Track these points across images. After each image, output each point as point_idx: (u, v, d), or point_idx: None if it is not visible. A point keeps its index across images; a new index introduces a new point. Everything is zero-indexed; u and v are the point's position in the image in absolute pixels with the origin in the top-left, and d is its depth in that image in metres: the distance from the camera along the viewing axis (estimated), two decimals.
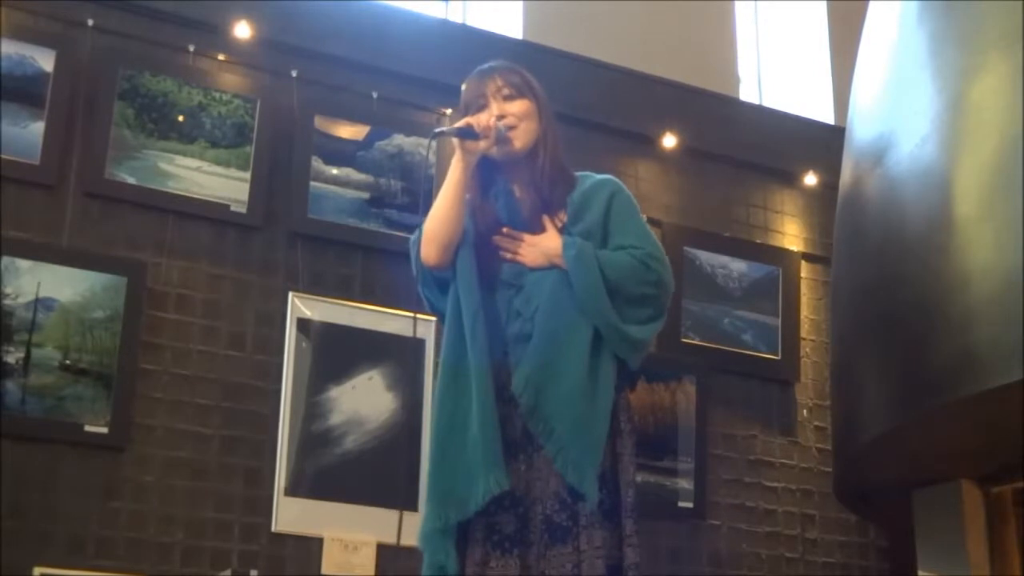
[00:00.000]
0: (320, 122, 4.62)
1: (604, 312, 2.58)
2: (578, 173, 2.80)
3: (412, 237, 2.76)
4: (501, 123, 2.67)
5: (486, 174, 2.74)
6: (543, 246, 2.65)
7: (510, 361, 2.59)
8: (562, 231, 2.67)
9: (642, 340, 2.63)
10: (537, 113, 2.74)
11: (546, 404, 2.52)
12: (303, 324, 4.42)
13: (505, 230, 2.69)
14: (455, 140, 2.67)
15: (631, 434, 2.66)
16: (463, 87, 2.79)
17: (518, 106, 2.72)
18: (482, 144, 2.65)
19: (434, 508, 2.53)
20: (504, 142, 2.68)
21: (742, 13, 6.08)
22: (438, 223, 2.64)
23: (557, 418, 2.51)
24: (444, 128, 2.70)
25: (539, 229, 2.69)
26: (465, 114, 2.75)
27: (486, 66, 2.79)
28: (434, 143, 2.89)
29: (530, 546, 2.51)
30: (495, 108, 2.70)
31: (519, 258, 2.67)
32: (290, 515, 4.22)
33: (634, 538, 2.55)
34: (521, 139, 2.71)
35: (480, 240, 2.68)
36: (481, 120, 2.66)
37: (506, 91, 2.73)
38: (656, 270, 2.64)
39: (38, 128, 4.16)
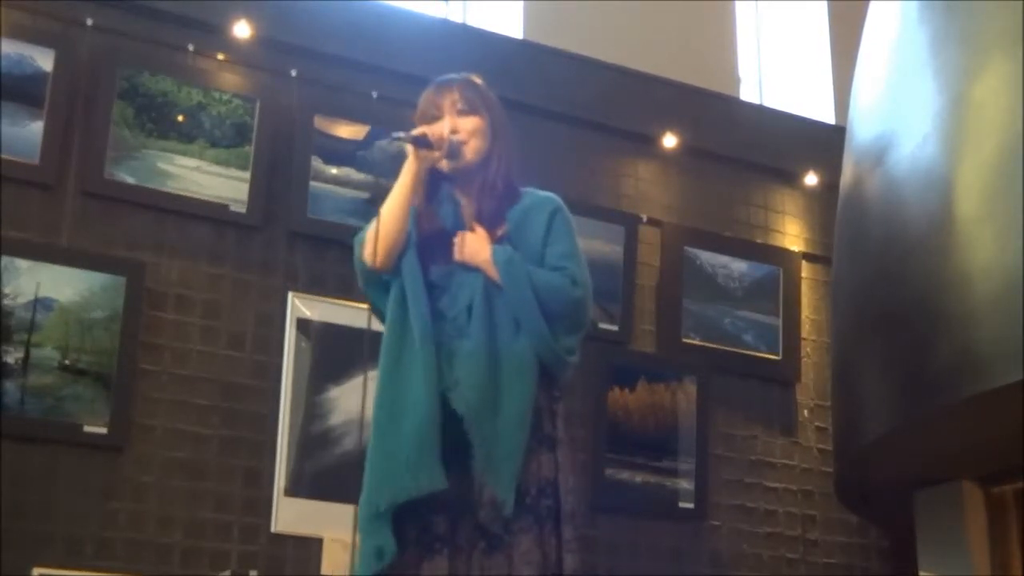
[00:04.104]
0: (320, 122, 4.62)
1: (537, 324, 2.62)
2: (523, 189, 2.83)
3: (356, 237, 2.79)
4: (453, 137, 2.72)
5: (434, 182, 2.78)
6: (470, 245, 2.69)
7: (442, 364, 2.61)
8: (499, 242, 2.70)
9: (570, 355, 2.68)
10: (489, 130, 2.78)
11: (485, 420, 2.56)
12: (303, 324, 4.42)
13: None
14: (408, 146, 2.70)
15: (570, 443, 2.71)
16: (421, 98, 2.82)
17: (470, 122, 2.76)
18: (435, 154, 2.70)
19: (368, 495, 2.57)
20: (455, 157, 2.73)
21: (742, 13, 6.07)
22: (384, 226, 2.67)
23: (491, 426, 2.56)
24: (402, 133, 2.72)
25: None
26: (420, 123, 2.78)
27: (445, 79, 2.83)
28: (395, 146, 2.91)
29: (459, 550, 2.54)
30: (448, 122, 2.74)
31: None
32: (290, 516, 4.22)
33: (572, 544, 2.59)
34: (469, 154, 2.75)
35: (423, 246, 2.71)
36: (435, 131, 2.71)
37: (460, 106, 2.77)
38: (579, 292, 2.69)
39: (37, 128, 4.16)
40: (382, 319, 2.75)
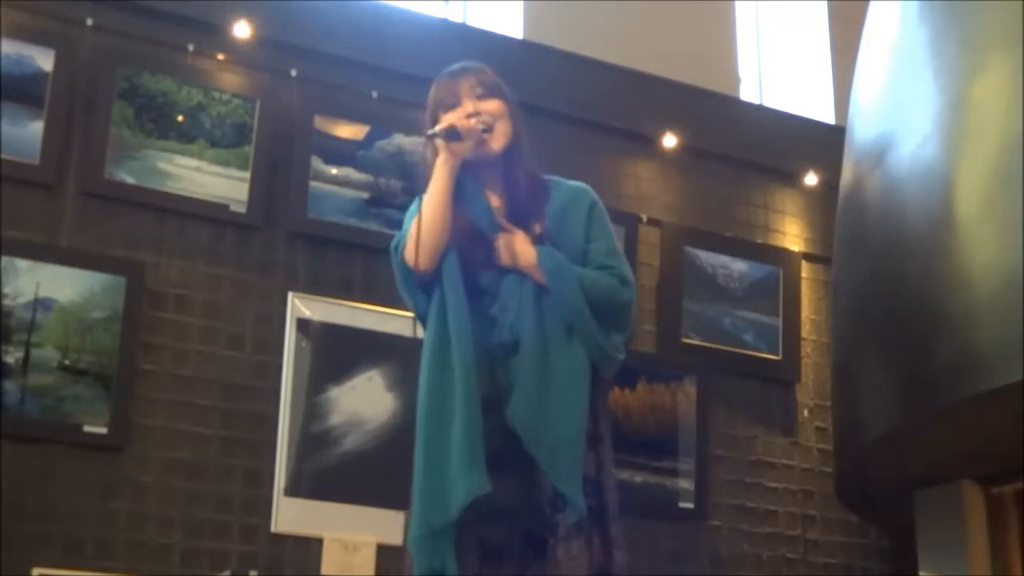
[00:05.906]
0: (320, 122, 4.61)
1: (589, 327, 2.59)
2: (547, 177, 2.78)
3: (393, 242, 2.72)
4: (476, 120, 2.65)
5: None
6: (513, 248, 2.64)
7: (495, 370, 2.57)
8: (539, 240, 2.65)
9: (619, 353, 2.66)
10: (509, 114, 2.71)
11: (542, 429, 2.52)
12: (303, 324, 4.41)
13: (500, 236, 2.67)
14: (439, 142, 2.63)
15: (611, 438, 2.67)
16: (432, 88, 2.76)
17: (492, 105, 2.69)
18: (467, 145, 2.63)
19: (418, 513, 2.50)
20: (481, 143, 2.66)
21: (742, 13, 6.07)
22: (430, 227, 2.59)
23: (551, 437, 2.52)
24: (436, 130, 2.64)
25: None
26: (434, 114, 2.72)
27: (457, 66, 2.76)
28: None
29: (510, 558, 2.50)
30: (469, 106, 2.68)
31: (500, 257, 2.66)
32: (289, 516, 4.21)
33: (621, 540, 2.56)
34: (498, 140, 2.69)
35: (461, 248, 2.64)
36: (462, 122, 2.64)
37: (479, 90, 2.70)
38: (628, 292, 2.68)
39: (37, 127, 4.15)
40: (424, 323, 2.67)
